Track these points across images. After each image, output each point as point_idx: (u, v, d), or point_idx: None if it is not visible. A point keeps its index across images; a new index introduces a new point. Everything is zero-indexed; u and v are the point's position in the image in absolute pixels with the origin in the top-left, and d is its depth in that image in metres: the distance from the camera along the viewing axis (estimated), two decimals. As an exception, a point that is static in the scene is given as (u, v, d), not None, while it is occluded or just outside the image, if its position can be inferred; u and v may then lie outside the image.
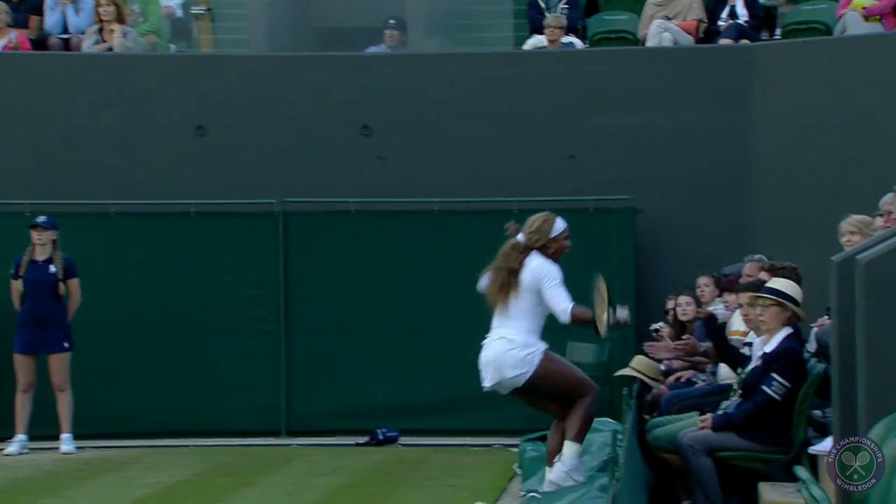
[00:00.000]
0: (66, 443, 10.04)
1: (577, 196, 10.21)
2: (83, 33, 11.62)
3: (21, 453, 9.93)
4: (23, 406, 10.02)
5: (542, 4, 11.93)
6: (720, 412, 6.83)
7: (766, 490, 6.29)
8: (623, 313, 6.82)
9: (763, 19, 11.78)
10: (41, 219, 10.19)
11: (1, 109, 11.11)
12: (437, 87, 11.05)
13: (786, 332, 6.75)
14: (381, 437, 10.46)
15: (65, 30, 11.77)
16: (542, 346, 6.82)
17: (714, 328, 7.36)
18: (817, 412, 6.71)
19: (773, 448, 6.70)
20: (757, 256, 8.50)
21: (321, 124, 11.07)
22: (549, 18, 11.53)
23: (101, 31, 11.46)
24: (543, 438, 9.40)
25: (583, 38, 11.83)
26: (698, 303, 9.01)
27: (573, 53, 11.42)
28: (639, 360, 8.52)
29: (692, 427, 6.89)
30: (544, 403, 7.07)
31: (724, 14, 11.65)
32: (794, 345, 6.76)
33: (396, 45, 12.06)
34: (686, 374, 8.40)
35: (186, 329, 10.69)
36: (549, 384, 6.81)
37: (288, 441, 10.53)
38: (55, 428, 10.02)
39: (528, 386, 6.82)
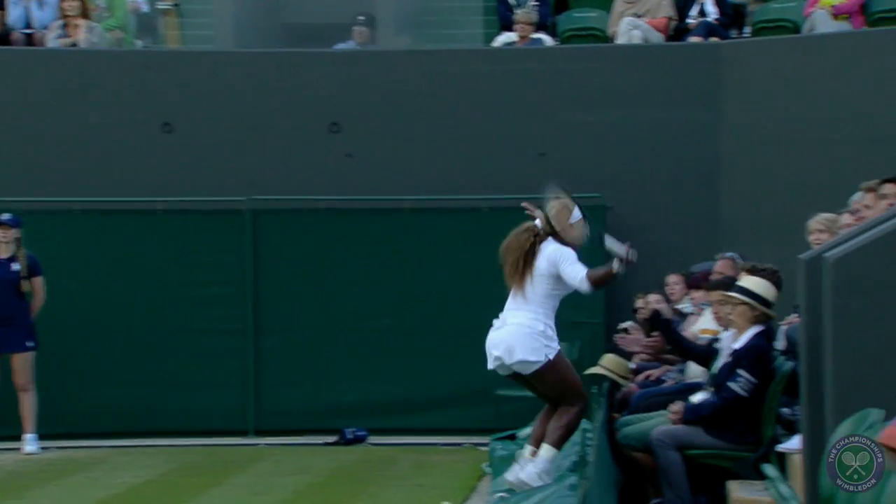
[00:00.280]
0: (30, 443, 9.93)
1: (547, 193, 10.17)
2: (47, 28, 11.48)
3: (-16, 454, 9.83)
4: (-15, 406, 9.92)
5: (513, 1, 11.89)
6: (689, 404, 6.83)
7: (735, 488, 6.29)
8: (617, 245, 6.80)
9: (732, 17, 11.79)
10: (5, 216, 10.08)
11: (-36, 105, 10.98)
12: (406, 85, 10.99)
13: (755, 329, 6.75)
14: (349, 436, 10.41)
15: (28, 24, 11.62)
16: (558, 346, 6.95)
17: (660, 324, 7.36)
18: (786, 410, 6.72)
19: (742, 446, 6.70)
20: (728, 254, 8.51)
21: (290, 121, 10.99)
22: (520, 14, 11.49)
23: (65, 26, 11.33)
24: (513, 438, 9.40)
25: (553, 35, 11.81)
26: (668, 301, 9.00)
27: (543, 51, 11.39)
28: (609, 359, 8.50)
29: (661, 424, 6.88)
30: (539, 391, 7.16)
31: (694, 12, 11.66)
32: (762, 342, 6.75)
33: (366, 42, 11.98)
34: (655, 373, 8.39)
35: (153, 328, 10.61)
36: (550, 382, 6.91)
37: (256, 441, 10.45)
38: (18, 428, 9.91)
39: (531, 377, 6.92)
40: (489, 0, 12.32)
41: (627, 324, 8.86)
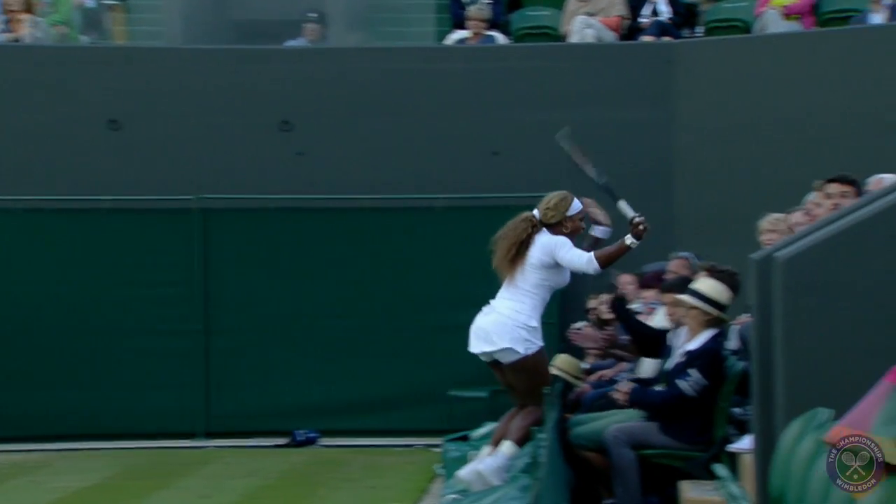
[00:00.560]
0: (-27, 447, 9.76)
1: (501, 193, 10.13)
2: (-10, 23, 11.30)
3: (-75, 458, 9.62)
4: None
5: (465, -1, 11.85)
6: (637, 386, 6.86)
7: (687, 488, 6.27)
8: (631, 211, 6.84)
9: (685, 16, 11.82)
10: (-54, 215, 9.87)
11: None
12: (358, 82, 10.91)
13: (710, 332, 6.75)
14: (300, 438, 10.31)
15: (-29, 19, 11.42)
16: (541, 342, 6.97)
17: (621, 308, 7.37)
18: (737, 410, 6.70)
19: (694, 446, 6.69)
20: (683, 253, 8.48)
21: (239, 119, 10.87)
22: (472, 11, 11.45)
23: (8, 21, 11.14)
24: (465, 439, 9.34)
25: (506, 33, 11.77)
26: (621, 301, 8.97)
27: (496, 49, 11.34)
28: (562, 360, 8.47)
29: (614, 423, 6.85)
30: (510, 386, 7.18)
31: (647, 11, 11.67)
32: (716, 346, 6.75)
33: (316, 39, 11.87)
34: (609, 373, 8.36)
35: (101, 328, 10.46)
36: (524, 377, 6.93)
37: (205, 443, 10.33)
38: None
39: (507, 366, 6.94)
40: (442, -3, 12.26)
41: (580, 324, 8.83)
